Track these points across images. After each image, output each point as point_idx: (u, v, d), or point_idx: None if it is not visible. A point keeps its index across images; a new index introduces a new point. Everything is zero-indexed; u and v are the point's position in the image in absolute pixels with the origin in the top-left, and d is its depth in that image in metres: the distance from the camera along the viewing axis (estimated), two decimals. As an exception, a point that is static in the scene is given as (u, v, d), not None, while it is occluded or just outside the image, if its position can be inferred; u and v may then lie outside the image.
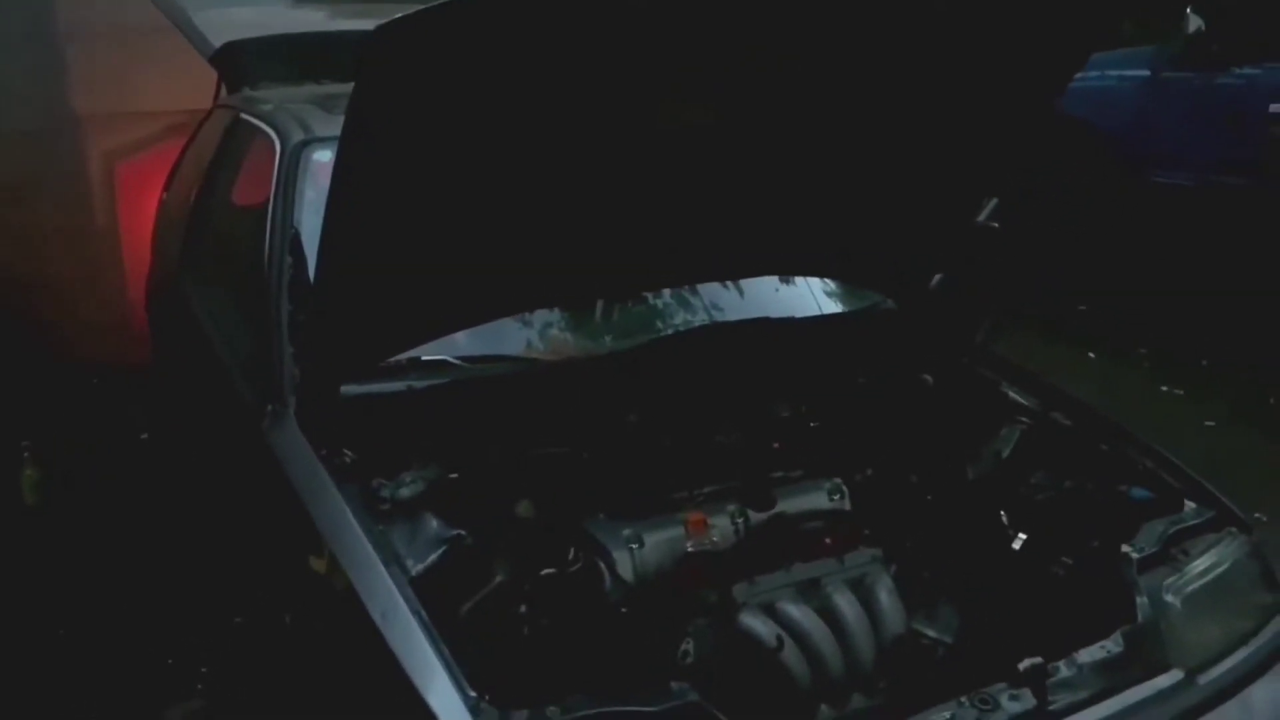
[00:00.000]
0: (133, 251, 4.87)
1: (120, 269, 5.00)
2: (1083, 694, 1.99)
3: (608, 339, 2.86)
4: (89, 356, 4.73)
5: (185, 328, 3.65)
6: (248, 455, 2.67)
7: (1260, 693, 2.11)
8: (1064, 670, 2.01)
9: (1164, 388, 5.29)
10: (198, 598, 3.26)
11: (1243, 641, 2.16)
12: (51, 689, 3.06)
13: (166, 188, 4.57)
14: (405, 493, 2.31)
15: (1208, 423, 4.86)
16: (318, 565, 2.14)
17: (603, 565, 2.17)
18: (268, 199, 3.09)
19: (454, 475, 2.38)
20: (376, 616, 1.93)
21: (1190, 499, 2.41)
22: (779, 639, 2.05)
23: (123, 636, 3.26)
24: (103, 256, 5.04)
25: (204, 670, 3.15)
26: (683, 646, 2.03)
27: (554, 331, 2.88)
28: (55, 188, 5.00)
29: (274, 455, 2.51)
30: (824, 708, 2.11)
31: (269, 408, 2.62)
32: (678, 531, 2.24)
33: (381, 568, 2.02)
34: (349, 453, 2.41)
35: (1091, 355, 5.60)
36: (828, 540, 2.28)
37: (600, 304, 3.08)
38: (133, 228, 4.89)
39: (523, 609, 2.12)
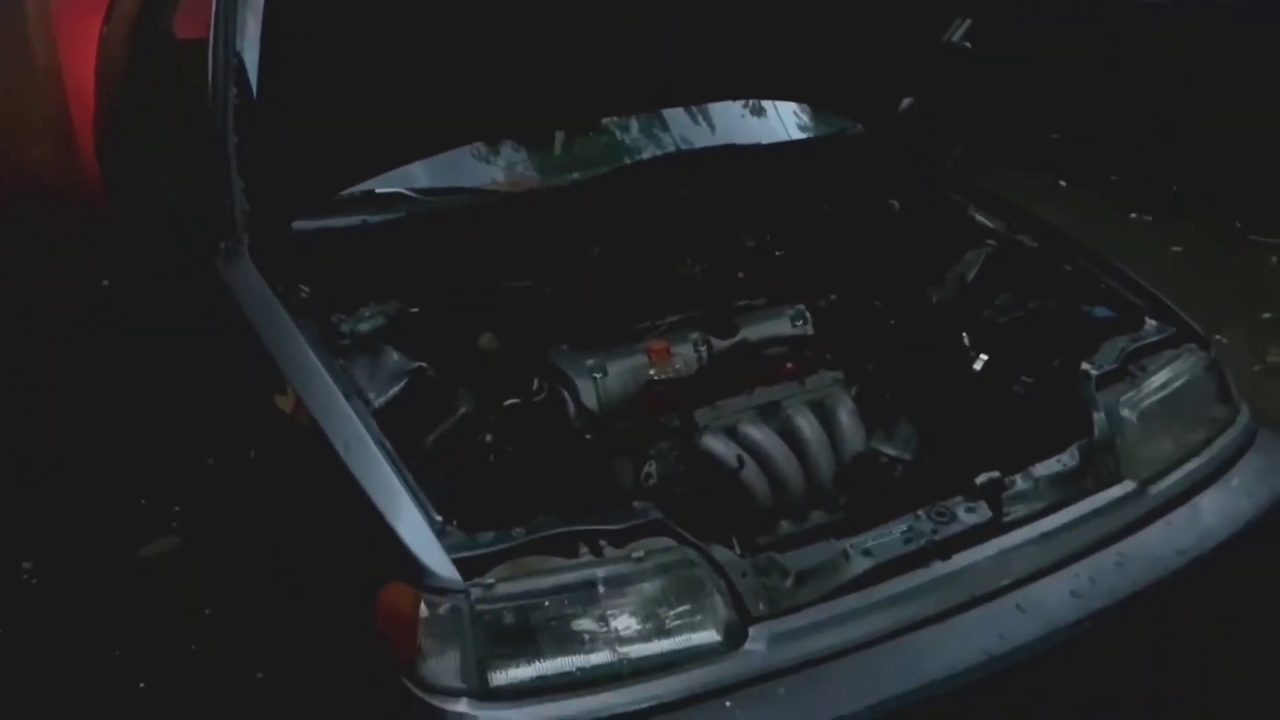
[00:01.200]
0: (78, 91, 4.65)
1: (65, 111, 4.79)
2: (1037, 505, 2.04)
3: (570, 170, 2.78)
4: (39, 206, 4.58)
5: (134, 168, 3.53)
6: (204, 295, 2.63)
7: (1208, 502, 2.17)
8: (1020, 484, 2.05)
9: (1133, 214, 5.27)
10: (168, 440, 3.26)
11: (1194, 453, 2.21)
12: (25, 533, 3.09)
13: (106, 20, 4.33)
14: (365, 327, 2.28)
15: (1175, 248, 4.86)
16: (283, 403, 2.12)
17: (567, 395, 2.18)
18: (209, 30, 2.94)
19: (414, 310, 2.35)
20: (339, 447, 1.93)
21: (1151, 316, 2.42)
22: (740, 459, 2.08)
23: (95, 479, 3.27)
24: (46, 99, 4.81)
25: (177, 509, 3.18)
26: (645, 469, 2.05)
27: (514, 162, 2.80)
28: (-14, 24, 4.73)
29: (230, 293, 2.47)
30: (784, 523, 2.16)
31: (221, 245, 2.56)
32: (641, 360, 2.24)
33: (343, 400, 2.01)
34: (305, 288, 2.37)
35: (1063, 183, 5.56)
36: (789, 365, 2.28)
37: (561, 134, 2.99)
38: (75, 66, 4.66)
39: (488, 439, 2.13)
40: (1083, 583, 1.96)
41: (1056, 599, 1.93)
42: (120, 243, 4.15)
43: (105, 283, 4.52)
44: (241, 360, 2.39)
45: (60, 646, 2.71)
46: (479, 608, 1.69)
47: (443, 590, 1.71)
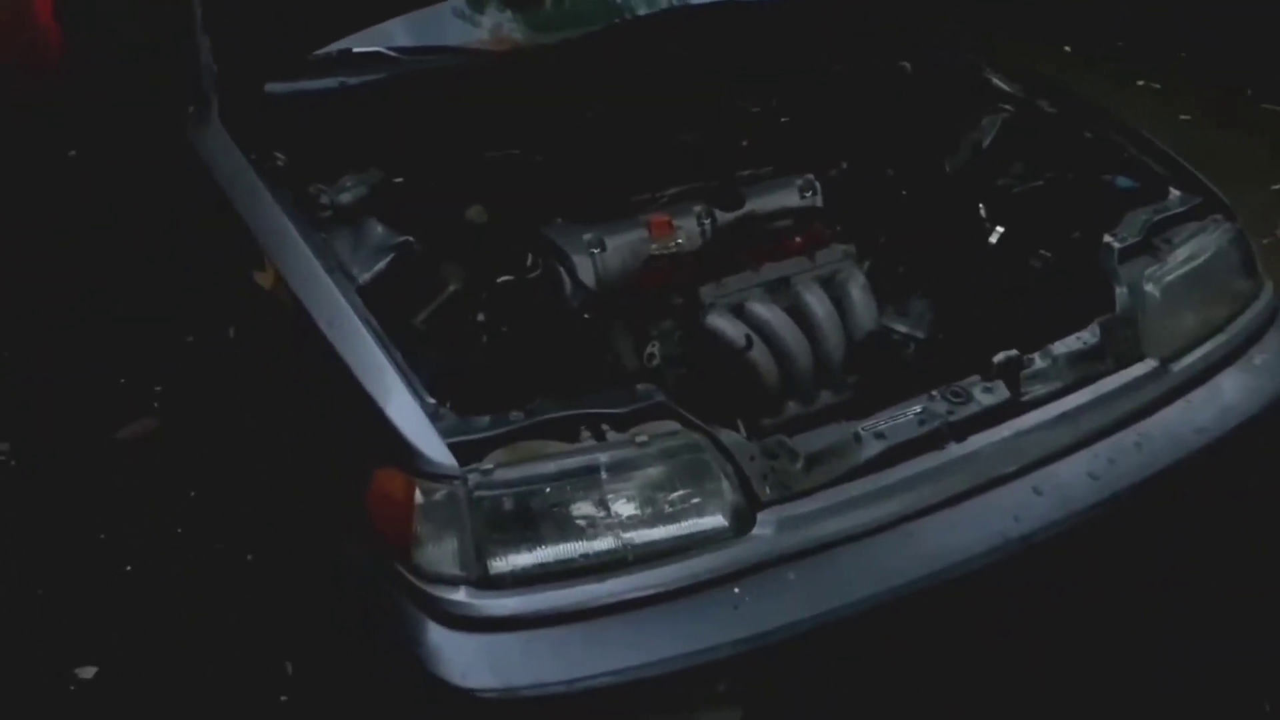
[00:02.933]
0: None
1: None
2: (1056, 385, 1.95)
3: (561, 27, 2.59)
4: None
5: (96, 27, 3.31)
6: (173, 162, 2.47)
7: (1230, 380, 2.09)
8: (1038, 362, 1.96)
9: (1140, 82, 5.08)
10: (146, 316, 3.13)
11: (1217, 329, 2.12)
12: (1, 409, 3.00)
13: None
14: (346, 198, 2.13)
15: (1183, 117, 4.70)
16: (262, 280, 2.00)
17: (563, 270, 2.05)
18: None
19: (398, 179, 2.21)
20: (323, 325, 1.82)
21: (1176, 186, 2.30)
22: (747, 338, 1.97)
23: (72, 358, 3.16)
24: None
25: (157, 389, 3.08)
26: (648, 349, 1.95)
27: (501, 19, 2.61)
28: None
29: (200, 161, 2.31)
30: (791, 404, 2.07)
31: (190, 109, 2.39)
32: (641, 234, 2.11)
33: (325, 275, 1.89)
34: (281, 156, 2.22)
35: (1067, 49, 5.34)
36: (798, 239, 2.16)
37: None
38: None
39: (480, 318, 2.02)
40: (1101, 464, 1.89)
41: (1074, 481, 1.86)
42: (84, 110, 3.93)
43: (71, 153, 4.31)
44: (216, 233, 2.25)
45: (41, 530, 2.64)
46: (477, 494, 1.61)
47: (438, 476, 1.62)
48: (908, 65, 2.70)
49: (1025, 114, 2.53)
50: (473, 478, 1.61)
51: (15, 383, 3.13)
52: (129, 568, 2.52)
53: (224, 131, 2.28)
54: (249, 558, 2.51)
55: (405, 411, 1.69)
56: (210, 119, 2.32)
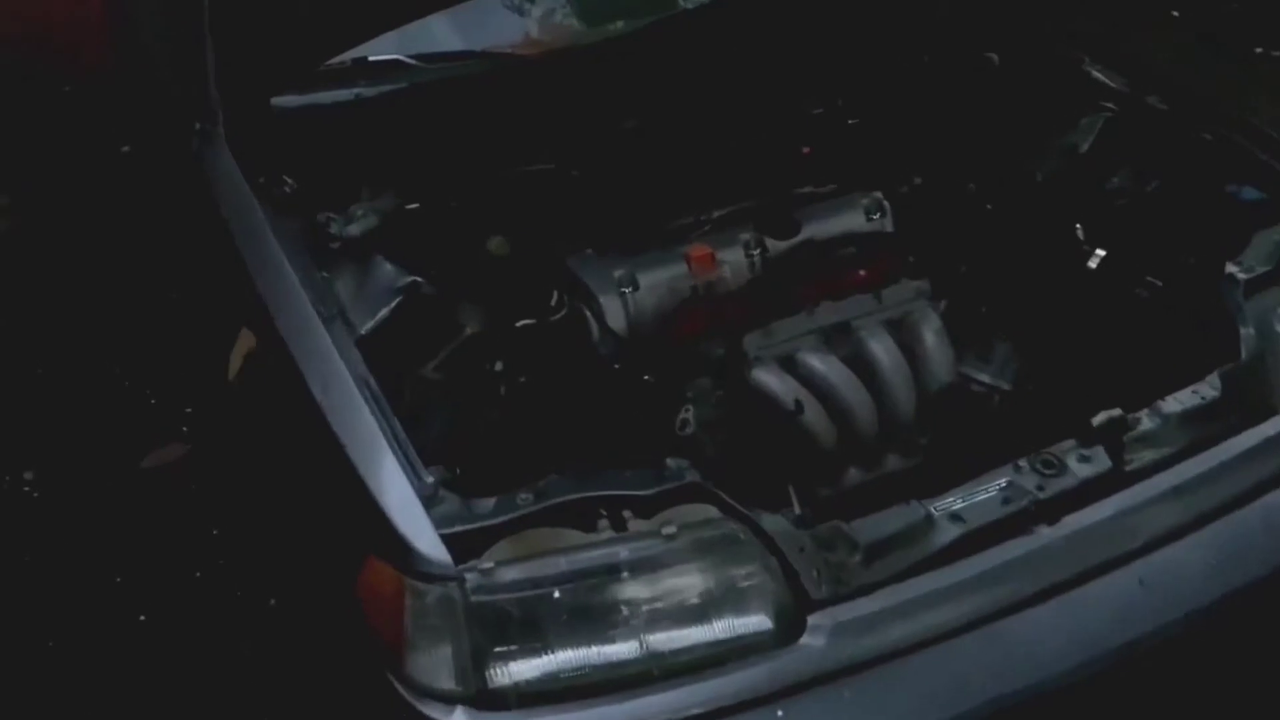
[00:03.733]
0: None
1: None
2: (1167, 450, 1.64)
3: (599, 24, 2.34)
4: (56, 63, 4.21)
5: (132, 27, 3.14)
6: (182, 186, 2.28)
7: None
8: (1146, 422, 1.66)
9: (1259, 49, 4.60)
10: (179, 337, 2.98)
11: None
12: (29, 433, 2.87)
13: None
14: (355, 229, 1.93)
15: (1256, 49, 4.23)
16: (256, 331, 1.80)
17: (589, 314, 1.80)
18: None
19: (413, 205, 1.99)
20: (316, 388, 1.61)
21: (1314, 200, 1.96)
22: (797, 402, 1.69)
23: (103, 379, 3.02)
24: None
25: (188, 411, 2.93)
26: (681, 414, 1.69)
27: (532, 18, 2.37)
28: None
29: (207, 184, 2.12)
30: (853, 471, 1.80)
31: (196, 126, 2.20)
32: (678, 269, 1.85)
33: (321, 328, 1.68)
34: (290, 180, 2.02)
35: (1175, 13, 4.87)
36: (862, 272, 1.87)
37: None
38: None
39: (498, 366, 1.79)
40: (1221, 550, 1.59)
41: (1188, 572, 1.56)
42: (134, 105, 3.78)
43: (125, 149, 4.18)
44: (221, 266, 2.06)
45: (58, 572, 2.50)
46: (474, 598, 1.38)
47: (431, 576, 1.40)
48: (995, 57, 2.37)
49: (1131, 113, 2.20)
50: (471, 578, 1.39)
51: (46, 404, 3.00)
52: (142, 617, 2.37)
53: (229, 153, 2.08)
54: (271, 602, 2.34)
55: (397, 495, 1.47)
56: (217, 138, 2.12)
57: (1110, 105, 2.23)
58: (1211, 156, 2.08)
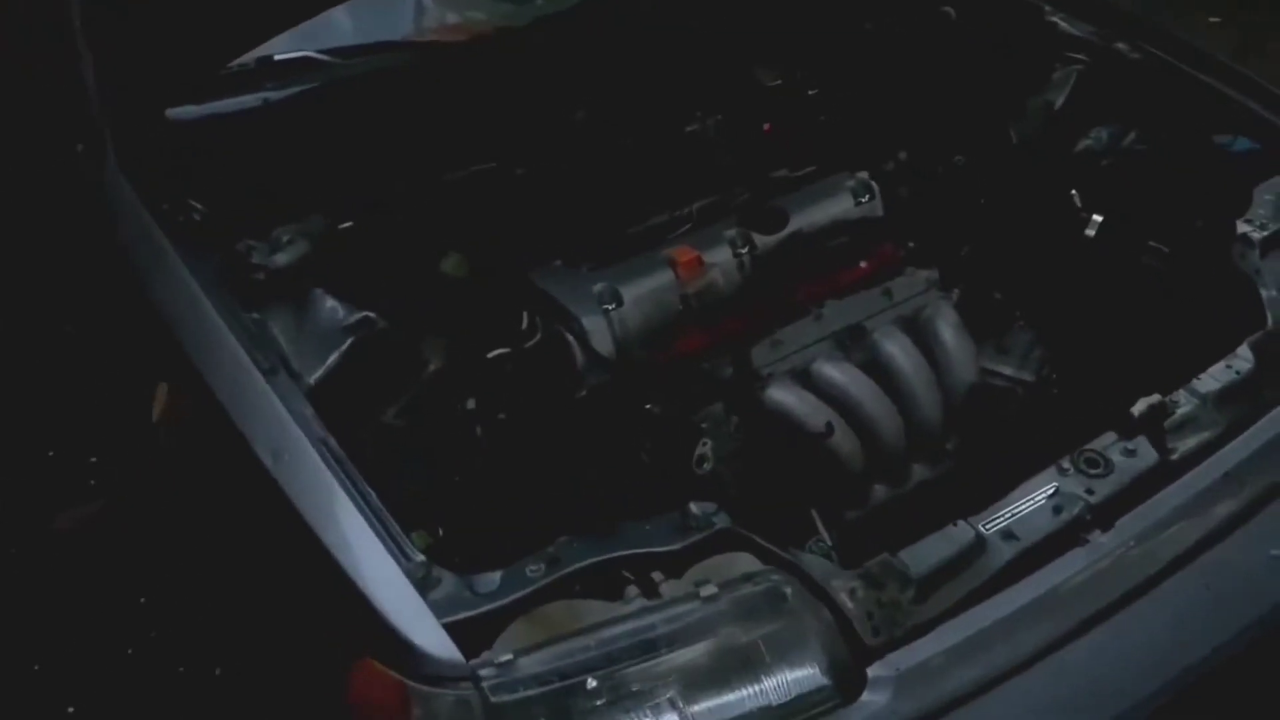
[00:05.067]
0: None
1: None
2: (1209, 433, 1.53)
3: (531, 3, 2.11)
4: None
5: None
6: (69, 216, 1.99)
7: None
8: (1184, 405, 1.53)
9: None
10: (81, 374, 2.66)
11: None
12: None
13: None
14: (283, 258, 1.68)
15: (1212, 19, 4.23)
16: (181, 390, 1.55)
17: (570, 337, 1.59)
18: None
19: (346, 224, 1.74)
20: (266, 458, 1.38)
21: (1309, 145, 1.86)
22: (828, 425, 1.52)
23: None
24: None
25: (94, 461, 2.62)
26: (699, 449, 1.50)
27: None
28: None
29: (99, 216, 1.84)
30: (879, 488, 1.64)
31: (79, 147, 1.91)
32: (665, 277, 1.64)
33: (263, 384, 1.44)
34: (198, 205, 1.75)
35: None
36: (864, 264, 1.69)
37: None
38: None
39: (470, 404, 1.57)
40: (1281, 535, 1.48)
41: (1253, 564, 1.45)
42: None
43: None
44: (125, 311, 1.79)
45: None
46: (496, 699, 1.17)
47: (440, 678, 1.19)
48: (951, 10, 2.22)
49: (1103, 63, 2.08)
50: (487, 675, 1.18)
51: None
52: (71, 709, 2.10)
53: (121, 177, 1.80)
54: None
55: (384, 580, 1.25)
56: (105, 162, 1.83)
57: (1080, 56, 2.10)
58: (1194, 106, 1.97)
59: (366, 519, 1.30)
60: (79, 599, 2.29)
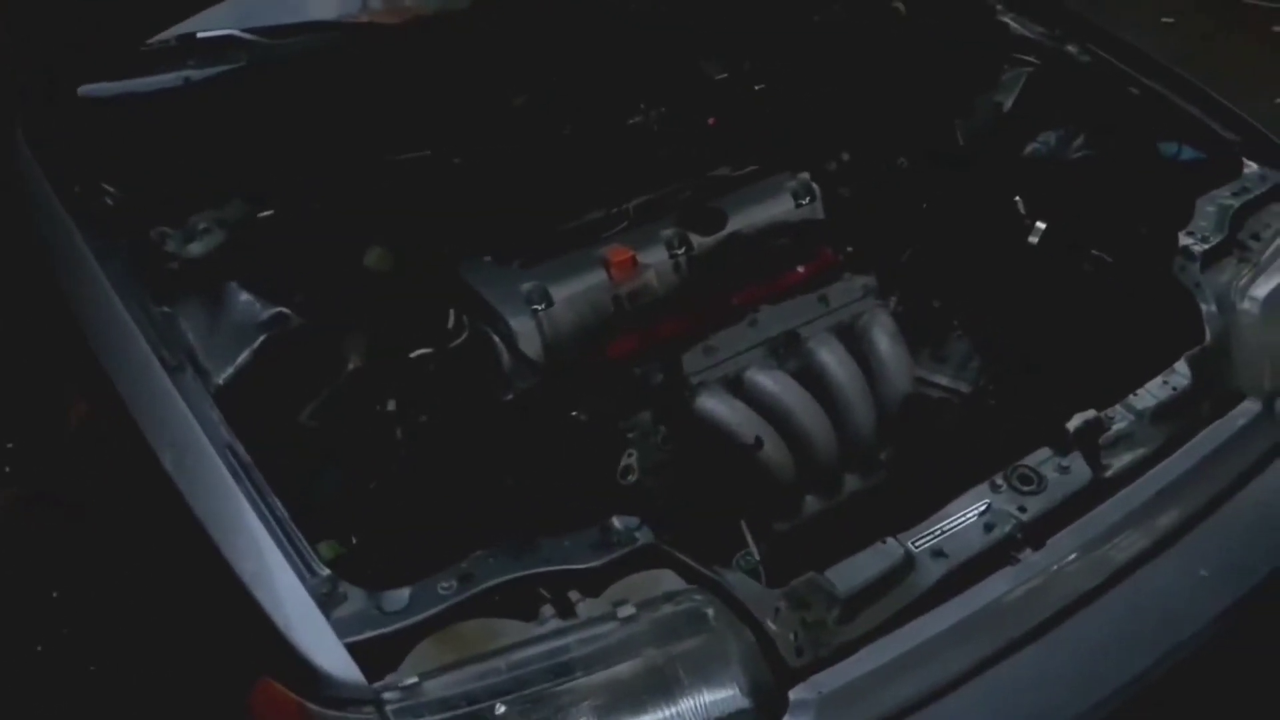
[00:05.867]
0: None
1: None
2: (1144, 450, 1.51)
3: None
4: None
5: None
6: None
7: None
8: (1120, 421, 1.51)
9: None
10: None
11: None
12: None
13: None
14: (198, 247, 1.61)
15: (1165, 19, 4.24)
16: (81, 388, 1.47)
17: (496, 338, 1.53)
18: None
19: (266, 212, 1.67)
20: (166, 461, 1.31)
21: (1251, 157, 1.84)
22: (758, 439, 1.47)
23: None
24: None
25: (9, 446, 2.52)
26: (624, 461, 1.45)
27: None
28: None
29: (8, 199, 1.75)
30: (810, 499, 1.60)
31: (-13, 126, 1.81)
32: (597, 277, 1.59)
33: (167, 382, 1.36)
34: (111, 189, 1.67)
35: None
36: (801, 269, 1.65)
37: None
38: None
39: (390, 406, 1.51)
40: (1216, 554, 1.46)
41: (1184, 585, 1.43)
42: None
43: None
44: (31, 299, 1.70)
45: None
46: (399, 725, 1.12)
47: (340, 700, 1.13)
48: (901, 6, 2.18)
49: (1053, 66, 2.05)
50: (391, 698, 1.13)
51: None
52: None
53: (29, 155, 1.70)
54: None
55: (286, 596, 1.19)
56: (15, 140, 1.74)
57: (1030, 58, 2.08)
58: (1140, 112, 1.95)
59: (270, 530, 1.24)
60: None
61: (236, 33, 1.86)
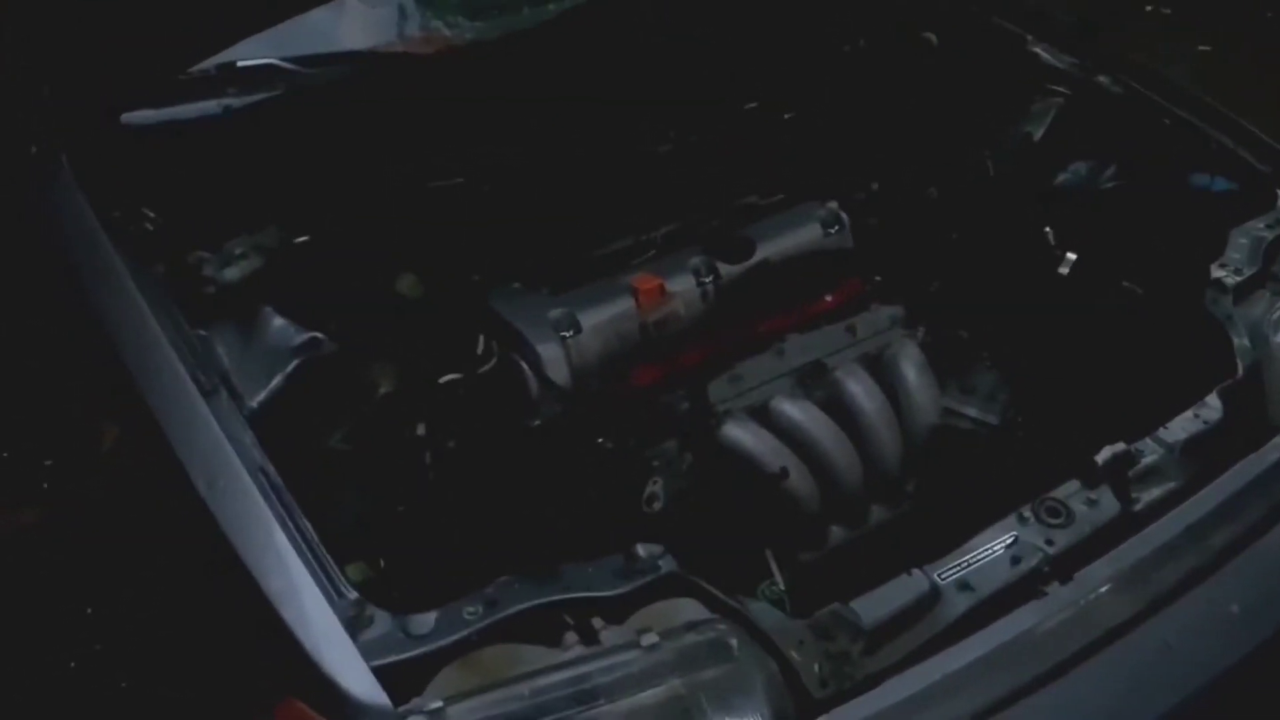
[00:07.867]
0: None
1: None
2: (1174, 484, 1.49)
3: (498, 17, 2.06)
4: None
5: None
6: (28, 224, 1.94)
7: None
8: (1150, 454, 1.50)
9: (1148, 6, 4.58)
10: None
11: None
12: None
13: None
14: (234, 272, 1.64)
15: (1202, 48, 4.22)
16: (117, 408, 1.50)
17: (524, 364, 1.55)
18: None
19: (302, 239, 1.70)
20: (200, 484, 1.33)
21: (1284, 187, 1.83)
22: (783, 469, 1.48)
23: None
24: None
25: (48, 464, 2.56)
26: (648, 488, 1.45)
27: (424, 12, 2.08)
28: None
29: (51, 225, 1.79)
30: (835, 529, 1.60)
31: (32, 149, 1.85)
32: (625, 305, 1.60)
33: (203, 406, 1.39)
34: (150, 214, 1.70)
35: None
36: (829, 298, 1.66)
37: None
38: None
39: (420, 431, 1.53)
40: (1247, 590, 1.44)
41: (1216, 621, 1.42)
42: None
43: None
44: (74, 324, 1.73)
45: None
46: (421, 748, 1.13)
47: (364, 723, 1.15)
48: (933, 37, 2.19)
49: (1084, 97, 2.05)
50: (415, 723, 1.14)
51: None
52: (8, 723, 2.05)
53: (72, 180, 1.75)
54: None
55: (314, 618, 1.21)
56: (58, 166, 1.78)
57: (1061, 89, 2.08)
58: (1173, 143, 1.94)
59: (300, 554, 1.25)
60: (23, 606, 2.23)
61: (275, 61, 1.90)
